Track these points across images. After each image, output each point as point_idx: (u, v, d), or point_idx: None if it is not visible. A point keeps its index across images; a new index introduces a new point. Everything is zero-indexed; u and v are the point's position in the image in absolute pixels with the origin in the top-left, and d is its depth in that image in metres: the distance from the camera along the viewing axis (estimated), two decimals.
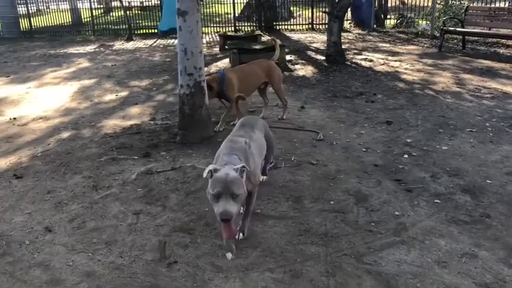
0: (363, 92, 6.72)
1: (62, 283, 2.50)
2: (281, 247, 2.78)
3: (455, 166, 3.93)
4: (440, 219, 3.07)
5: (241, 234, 2.84)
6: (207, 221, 3.11)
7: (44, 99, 6.82)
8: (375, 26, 15.43)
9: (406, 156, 4.19)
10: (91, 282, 2.49)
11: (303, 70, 8.78)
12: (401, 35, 13.66)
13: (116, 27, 16.42)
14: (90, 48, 12.72)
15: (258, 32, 13.14)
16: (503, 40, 10.58)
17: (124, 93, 7.10)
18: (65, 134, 5.07)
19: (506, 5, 12.63)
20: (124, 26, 15.57)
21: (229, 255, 2.65)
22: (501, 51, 10.10)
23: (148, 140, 4.74)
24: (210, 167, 2.49)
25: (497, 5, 12.69)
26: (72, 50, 12.35)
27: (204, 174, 2.46)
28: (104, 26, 16.82)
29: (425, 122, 5.17)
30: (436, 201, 3.34)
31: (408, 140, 4.59)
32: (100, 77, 8.48)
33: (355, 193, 3.48)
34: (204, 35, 15.23)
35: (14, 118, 5.81)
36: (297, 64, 9.43)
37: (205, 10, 17.00)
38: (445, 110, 5.66)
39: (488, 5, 12.19)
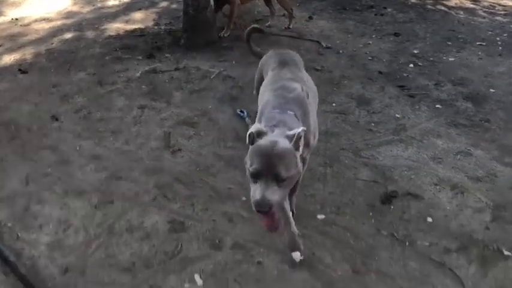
0: (373, 6, 6.49)
1: (70, 164, 2.60)
2: None
3: (460, 76, 3.91)
4: (439, 122, 3.12)
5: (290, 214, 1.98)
6: (211, 117, 3.16)
7: (45, 1, 6.63)
8: None
9: (411, 65, 4.15)
10: (98, 164, 2.59)
11: None
12: None
13: None
14: None
15: None
16: None
17: None
18: (68, 35, 5.00)
19: None
20: None
21: (296, 255, 1.93)
22: None
23: (152, 42, 4.68)
24: (253, 128, 1.63)
25: None
26: None
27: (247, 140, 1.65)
28: None
29: (434, 35, 5.06)
30: (437, 106, 3.36)
31: (415, 51, 4.52)
32: None
33: (358, 97, 3.50)
34: None
35: (16, 19, 5.70)
36: None
37: None
38: (456, 24, 5.51)
39: None
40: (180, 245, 2.00)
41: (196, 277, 1.84)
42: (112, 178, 2.48)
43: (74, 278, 1.84)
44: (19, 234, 2.07)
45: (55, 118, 3.11)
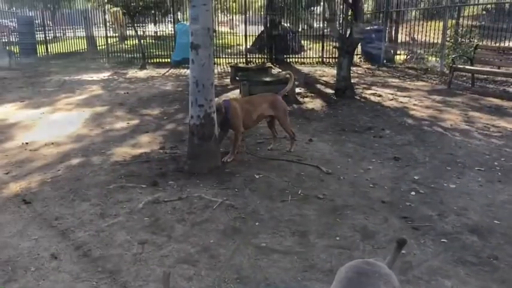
0: (371, 127, 6.75)
1: None
2: (286, 283, 2.76)
3: (462, 205, 3.91)
4: (447, 260, 3.05)
5: None
6: (212, 253, 3.11)
7: (56, 125, 6.94)
8: (384, 61, 15.61)
9: (413, 193, 4.18)
10: None
11: (312, 103, 8.88)
12: (410, 71, 13.79)
13: (130, 55, 16.79)
14: (104, 75, 12.99)
15: (269, 64, 13.38)
16: None
17: (135, 121, 7.21)
18: (75, 161, 5.14)
19: None
20: (138, 55, 15.92)
21: None
22: (510, 89, 10.13)
23: (156, 168, 4.79)
24: None
25: (507, 44, 12.79)
26: (86, 76, 12.61)
27: None
28: (118, 54, 17.20)
29: (433, 159, 5.17)
30: (442, 240, 3.31)
31: (416, 177, 4.58)
32: (112, 105, 8.63)
33: (362, 229, 3.47)
34: (215, 65, 15.50)
35: (26, 143, 5.90)
36: (306, 97, 9.53)
37: (217, 41, 17.31)
38: (453, 147, 5.66)
39: (497, 44, 12.29)
40: None
41: None
42: None
43: None
44: None
45: (54, 257, 3.06)
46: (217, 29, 18.49)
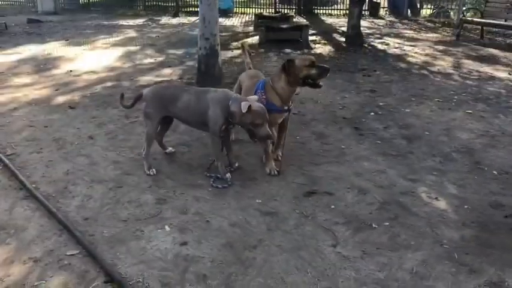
0: (365, 69, 7.65)
1: (97, 165, 3.75)
2: (253, 164, 3.92)
3: (408, 122, 4.91)
4: (373, 152, 4.11)
5: None
6: (205, 143, 4.28)
7: (94, 59, 8.18)
8: (409, 14, 15.98)
9: (372, 113, 5.20)
10: (116, 166, 3.73)
11: (322, 49, 9.74)
12: (429, 24, 14.22)
13: (164, 3, 17.77)
14: (139, 21, 14.10)
15: (292, 14, 14.11)
16: None
17: (161, 59, 8.36)
18: (109, 84, 6.37)
19: None
20: (172, 3, 16.89)
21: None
22: None
23: None
24: None
25: None
26: (123, 22, 13.77)
27: None
28: (154, 2, 18.21)
29: (404, 93, 6.11)
30: (377, 141, 4.36)
31: (381, 103, 5.57)
32: (143, 45, 9.79)
33: (318, 133, 4.55)
34: (244, 15, 16.37)
35: (70, 71, 7.18)
36: (318, 43, 10.37)
37: None
38: (427, 85, 6.54)
39: None
40: (162, 211, 3.05)
41: (166, 227, 2.88)
42: (124, 174, 3.60)
43: (90, 224, 2.91)
44: (59, 200, 3.19)
45: (91, 137, 4.32)
46: None
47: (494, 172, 3.70)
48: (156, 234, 2.80)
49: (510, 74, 7.42)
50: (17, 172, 3.52)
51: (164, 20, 14.59)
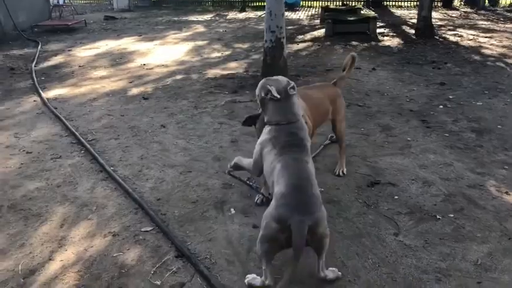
0: (435, 61, 7.41)
1: (169, 151, 3.99)
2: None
3: (479, 116, 4.73)
4: (440, 145, 4.03)
5: None
6: None
7: (165, 53, 8.57)
8: (486, 4, 15.15)
9: (441, 107, 5.06)
10: (185, 152, 3.95)
11: (390, 41, 9.53)
12: (509, 14, 13.42)
13: None
14: (207, 17, 14.51)
15: (359, 6, 13.87)
16: None
17: (228, 52, 8.59)
18: (179, 76, 6.67)
19: None
20: None
21: None
22: None
23: (238, 83, 6.15)
24: None
25: None
26: (192, 18, 14.23)
27: None
28: None
29: (476, 86, 5.86)
30: (445, 134, 4.26)
31: (450, 97, 5.40)
32: (211, 40, 10.08)
33: (384, 125, 4.52)
34: (310, 8, 16.32)
35: (144, 64, 7.58)
36: (387, 36, 10.15)
37: None
38: (503, 78, 6.24)
39: None
40: (228, 195, 3.21)
41: (231, 209, 3.03)
42: (193, 160, 3.80)
43: (162, 204, 3.13)
44: (135, 182, 3.44)
45: (163, 126, 4.59)
46: None
47: None
48: (222, 216, 2.96)
49: None
50: (97, 156, 3.83)
51: (231, 15, 14.89)
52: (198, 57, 8.15)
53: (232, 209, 3.04)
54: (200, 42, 9.73)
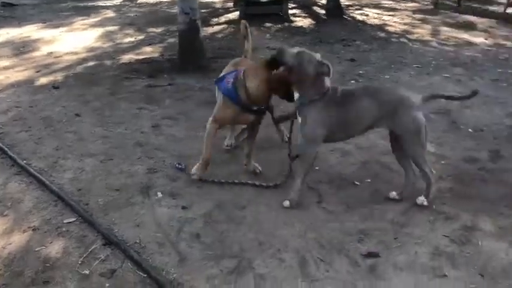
0: (345, 39, 7.74)
1: (86, 140, 3.83)
2: None
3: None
4: None
5: None
6: (188, 115, 4.37)
7: (73, 40, 8.11)
8: None
9: (352, 81, 5.32)
10: (105, 140, 3.81)
11: (302, 22, 9.79)
12: None
13: None
14: (116, 1, 13.88)
15: None
16: None
17: (141, 37, 8.32)
18: (91, 63, 6.37)
19: None
20: None
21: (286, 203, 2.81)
22: (491, 8, 10.79)
23: (155, 67, 6.00)
24: None
25: None
26: (100, 3, 13.52)
27: None
28: None
29: (383, 61, 6.24)
30: None
31: (360, 72, 5.70)
32: (122, 25, 9.70)
33: None
34: None
35: (51, 52, 7.12)
36: (299, 17, 10.40)
37: None
38: (406, 52, 6.69)
39: None
40: (153, 180, 3.16)
41: (158, 193, 2.99)
42: (113, 147, 3.68)
43: (84, 194, 3.01)
44: (51, 174, 3.27)
45: (77, 115, 4.37)
46: None
47: (470, 130, 3.89)
48: (149, 201, 2.92)
49: (486, 39, 7.60)
50: (6, 149, 3.57)
51: None
52: (110, 43, 7.82)
53: (159, 193, 3.01)
54: (111, 28, 9.32)
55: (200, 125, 4.08)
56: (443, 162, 3.34)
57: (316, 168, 3.29)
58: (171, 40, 8.00)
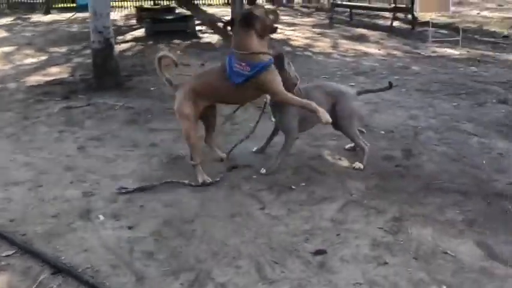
0: None
1: (7, 169, 3.59)
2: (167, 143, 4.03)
3: None
4: None
5: None
6: (114, 134, 4.29)
7: None
8: (285, 1, 16.88)
9: None
10: (29, 167, 3.61)
11: (210, 38, 10.01)
12: (304, 10, 15.23)
13: (31, 0, 16.52)
14: (6, 20, 13.00)
15: (174, 5, 14.07)
16: (381, 12, 12.39)
17: (44, 57, 7.93)
18: None
19: None
20: (41, 0, 15.78)
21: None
22: (380, 22, 11.92)
23: (68, 87, 5.78)
24: None
25: None
26: None
27: None
28: None
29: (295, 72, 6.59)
30: None
31: None
32: (20, 45, 9.14)
33: (226, 115, 4.80)
34: (122, 8, 15.91)
35: None
36: (206, 33, 10.59)
37: None
38: (312, 64, 7.16)
39: None
40: (91, 203, 3.07)
41: (100, 216, 2.93)
42: (40, 173, 3.50)
43: (18, 224, 2.84)
44: None
45: None
46: None
47: (382, 132, 4.30)
48: (92, 224, 2.84)
49: (379, 50, 8.39)
50: None
51: (35, 18, 13.65)
52: (9, 65, 7.36)
53: (100, 216, 2.94)
54: (7, 48, 8.76)
55: (128, 143, 4.07)
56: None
57: (254, 177, 3.44)
58: (78, 60, 7.75)
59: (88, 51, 8.43)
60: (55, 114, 4.81)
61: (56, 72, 6.77)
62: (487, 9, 12.99)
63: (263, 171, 3.46)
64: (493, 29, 9.70)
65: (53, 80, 6.22)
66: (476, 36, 9.13)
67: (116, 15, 14.20)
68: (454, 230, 2.74)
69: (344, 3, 12.12)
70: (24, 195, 3.19)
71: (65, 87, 5.84)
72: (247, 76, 3.15)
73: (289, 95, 3.29)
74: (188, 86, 3.41)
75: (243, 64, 3.14)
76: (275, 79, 3.23)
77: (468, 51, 7.90)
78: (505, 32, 9.26)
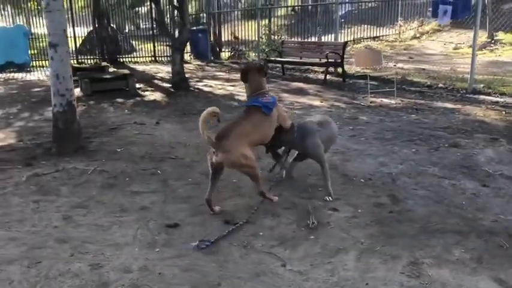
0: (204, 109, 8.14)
1: None
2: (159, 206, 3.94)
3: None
4: None
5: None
6: (97, 200, 4.10)
7: None
8: (212, 58, 17.36)
9: None
10: (17, 243, 3.32)
11: (153, 95, 9.98)
12: (235, 65, 15.73)
13: None
14: None
15: (104, 63, 13.92)
16: (312, 67, 13.20)
17: None
18: None
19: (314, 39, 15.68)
20: None
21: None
22: (310, 75, 12.66)
23: (25, 154, 5.42)
24: None
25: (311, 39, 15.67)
26: None
27: None
28: None
29: None
30: None
31: None
32: None
33: (205, 173, 4.79)
34: (43, 68, 15.39)
35: None
36: (146, 91, 10.55)
37: (39, 44, 16.92)
38: None
39: (300, 39, 15.01)
40: (102, 276, 2.89)
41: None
42: (33, 248, 3.24)
43: None
44: None
45: None
46: (36, 31, 17.91)
47: (362, 180, 4.55)
48: None
49: (322, 102, 8.90)
50: None
51: None
52: None
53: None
54: None
55: (116, 209, 3.93)
56: (360, 210, 3.84)
57: (261, 233, 3.46)
58: (20, 123, 7.35)
59: (26, 113, 8.08)
60: (23, 183, 4.48)
61: (1, 138, 6.33)
62: (400, 61, 14.33)
63: (330, 199, 4.05)
64: (415, 79, 10.72)
65: (2, 146, 5.81)
66: (404, 86, 10.02)
67: (42, 75, 13.74)
68: (468, 268, 2.96)
69: (278, 59, 12.79)
70: (25, 273, 2.93)
71: (20, 153, 5.47)
72: (273, 104, 4.04)
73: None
74: (235, 134, 3.91)
75: (267, 96, 4.07)
76: (282, 108, 4.39)
77: (402, 100, 8.64)
78: (428, 82, 10.29)
